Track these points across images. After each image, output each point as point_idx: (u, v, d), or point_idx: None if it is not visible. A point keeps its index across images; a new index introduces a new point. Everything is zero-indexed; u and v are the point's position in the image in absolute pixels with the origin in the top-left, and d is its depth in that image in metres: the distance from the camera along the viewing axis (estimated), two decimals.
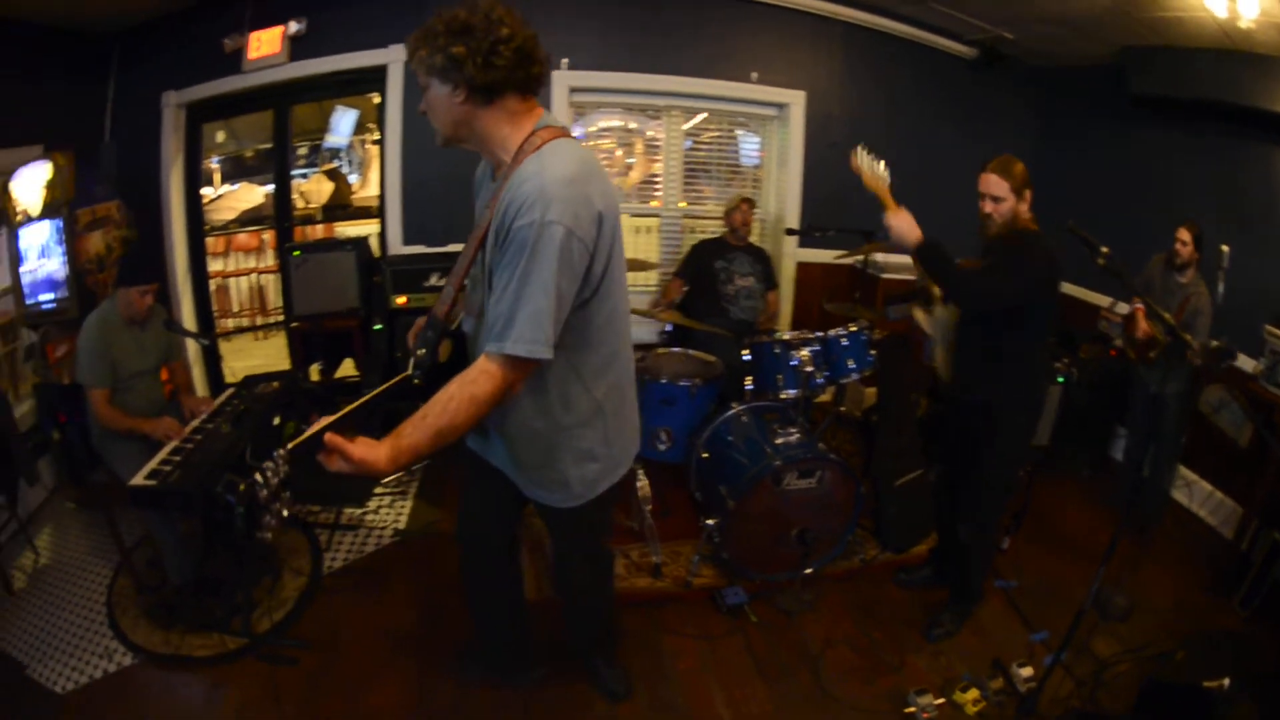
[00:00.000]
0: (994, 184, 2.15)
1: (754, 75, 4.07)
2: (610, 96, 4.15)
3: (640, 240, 5.10)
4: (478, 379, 1.45)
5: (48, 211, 3.55)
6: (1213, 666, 2.11)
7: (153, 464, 2.52)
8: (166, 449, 2.63)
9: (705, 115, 4.36)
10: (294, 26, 3.82)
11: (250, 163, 6.00)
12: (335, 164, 5.92)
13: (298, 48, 3.87)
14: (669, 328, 3.62)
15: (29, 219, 3.57)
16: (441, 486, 3.59)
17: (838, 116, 4.22)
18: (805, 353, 3.05)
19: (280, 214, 4.35)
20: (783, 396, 3.08)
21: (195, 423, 2.87)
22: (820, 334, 3.15)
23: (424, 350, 1.65)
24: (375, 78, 3.97)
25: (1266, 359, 2.92)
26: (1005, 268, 2.15)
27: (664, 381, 3.14)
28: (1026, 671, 2.25)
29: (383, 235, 4.17)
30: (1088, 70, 3.99)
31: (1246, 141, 3.25)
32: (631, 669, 2.42)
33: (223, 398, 3.06)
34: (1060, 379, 3.51)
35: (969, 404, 2.37)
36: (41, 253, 3.61)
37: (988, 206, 2.18)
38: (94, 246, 3.67)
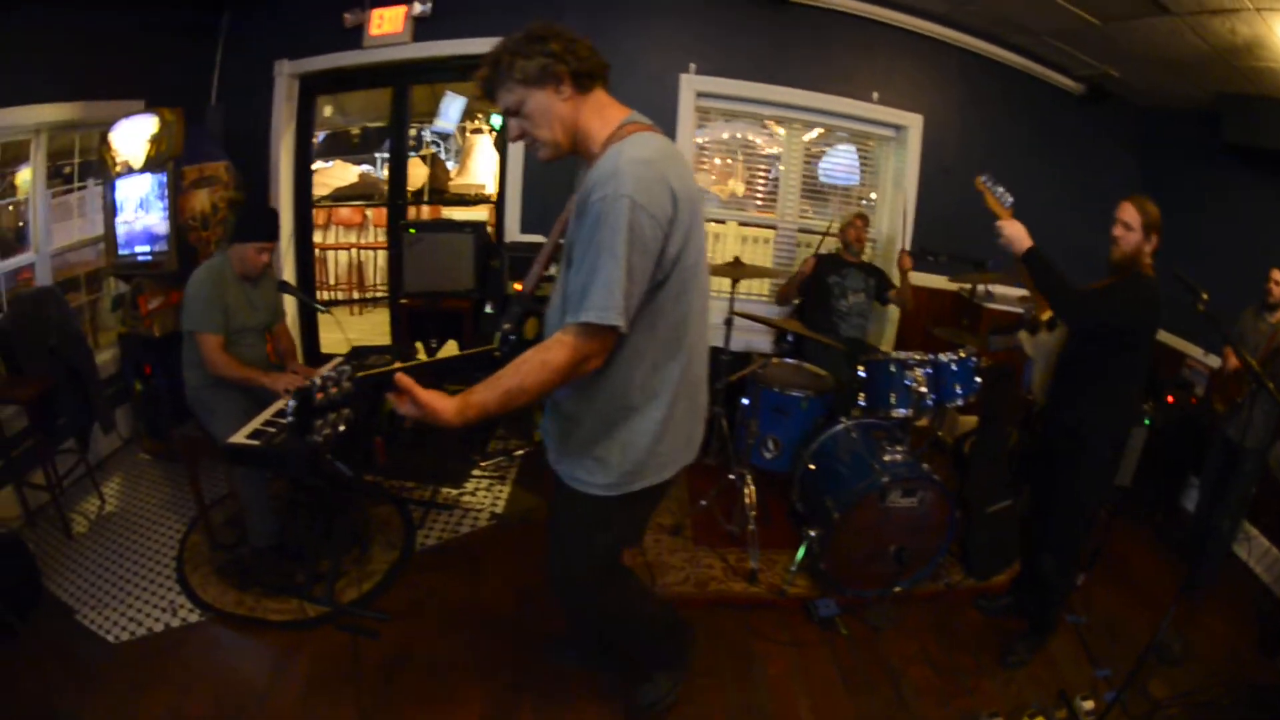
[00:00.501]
0: (1129, 212, 2.38)
1: (875, 95, 4.20)
2: (734, 104, 4.26)
3: (755, 250, 5.23)
4: (552, 346, 1.52)
5: (150, 165, 3.59)
6: (1256, 716, 2.40)
7: (256, 423, 2.55)
8: (271, 409, 2.68)
9: (821, 131, 4.48)
10: (419, 8, 3.92)
11: (349, 141, 6.13)
12: (434, 149, 6.16)
13: (421, 28, 3.97)
14: (790, 336, 3.77)
15: (129, 170, 3.64)
16: (540, 475, 3.71)
17: (951, 142, 4.36)
18: (920, 374, 3.18)
19: (394, 193, 4.46)
20: (893, 415, 3.20)
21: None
22: (933, 357, 3.25)
23: (509, 324, 1.74)
24: None
25: None
26: (1109, 291, 2.39)
27: (777, 390, 3.35)
28: (1089, 705, 2.41)
29: (499, 222, 4.32)
30: (1186, 114, 4.14)
31: None
32: (723, 669, 2.55)
33: (329, 366, 3.10)
34: (1146, 420, 3.71)
35: (1060, 424, 2.54)
36: (140, 205, 3.67)
37: (1117, 231, 2.40)
38: (199, 204, 3.72)
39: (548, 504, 3.37)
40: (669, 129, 4.00)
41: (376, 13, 3.96)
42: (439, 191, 5.64)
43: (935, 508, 3.00)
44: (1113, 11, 3.38)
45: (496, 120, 6.07)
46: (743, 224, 5.07)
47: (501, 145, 4.28)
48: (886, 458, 3.01)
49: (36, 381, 3.11)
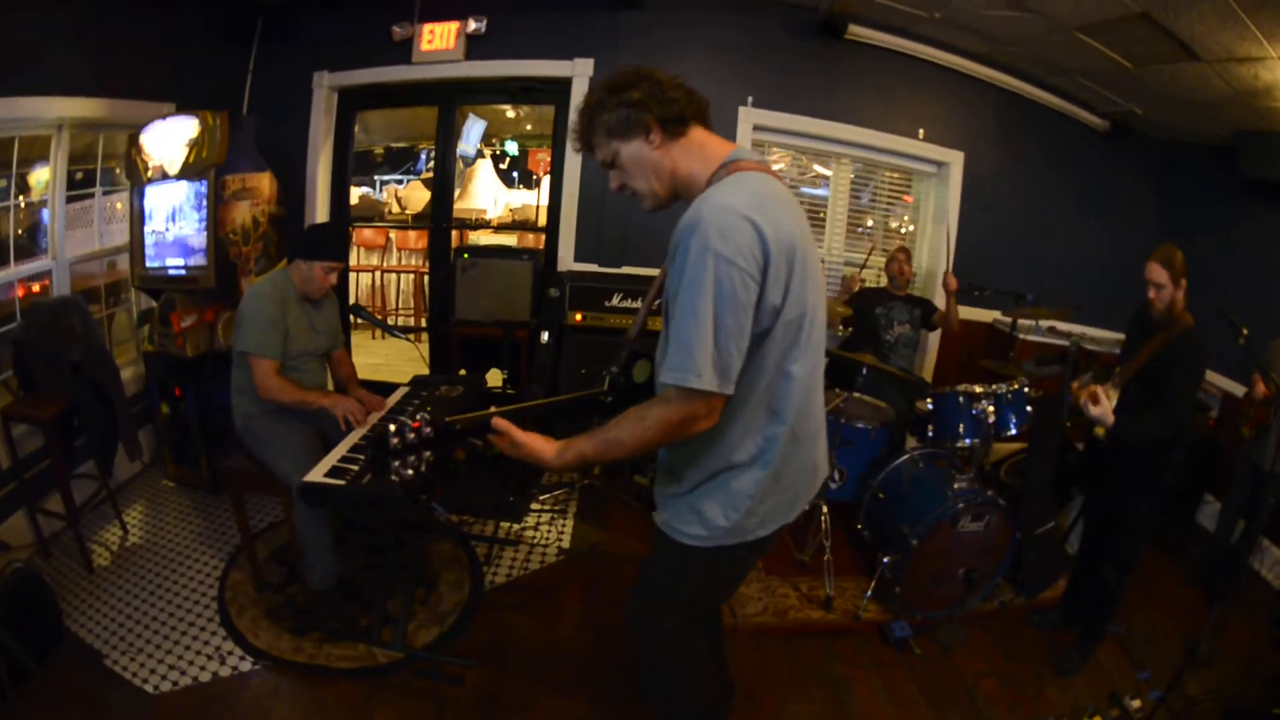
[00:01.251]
0: (1157, 272, 2.60)
1: (921, 132, 4.45)
2: (788, 138, 4.43)
3: None
4: (654, 403, 1.50)
5: (188, 172, 3.40)
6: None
7: (332, 459, 2.41)
8: (346, 444, 2.54)
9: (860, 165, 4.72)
10: (473, 25, 3.91)
11: (371, 160, 6.13)
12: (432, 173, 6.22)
13: (473, 46, 3.97)
14: (865, 370, 3.74)
15: (163, 176, 3.44)
16: (601, 508, 3.80)
17: (988, 177, 4.64)
18: (988, 405, 3.43)
19: (437, 215, 4.45)
20: (960, 445, 3.47)
21: (374, 417, 2.79)
22: (992, 388, 3.48)
23: (616, 368, 1.73)
24: (554, 89, 4.11)
25: None
26: (1169, 369, 2.61)
27: (845, 422, 3.53)
28: (1136, 704, 2.79)
29: (549, 250, 4.35)
30: (1203, 149, 4.54)
31: None
32: (815, 695, 2.72)
33: (396, 397, 3.03)
34: None
35: (1128, 450, 2.74)
36: (172, 215, 3.47)
37: (1151, 293, 2.65)
38: (240, 217, 3.53)
39: (615, 537, 3.54)
40: None
41: (428, 28, 3.92)
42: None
43: (999, 531, 3.25)
44: (1145, 56, 3.68)
45: (511, 146, 6.14)
46: None
47: (557, 169, 4.28)
48: (956, 485, 3.22)
49: (55, 399, 2.94)
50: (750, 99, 4.18)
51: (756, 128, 4.27)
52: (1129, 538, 2.93)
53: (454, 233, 5.05)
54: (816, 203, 4.85)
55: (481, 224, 5.61)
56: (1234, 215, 4.46)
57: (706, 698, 2.17)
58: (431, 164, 6.07)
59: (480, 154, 5.89)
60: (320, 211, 4.25)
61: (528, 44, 4.00)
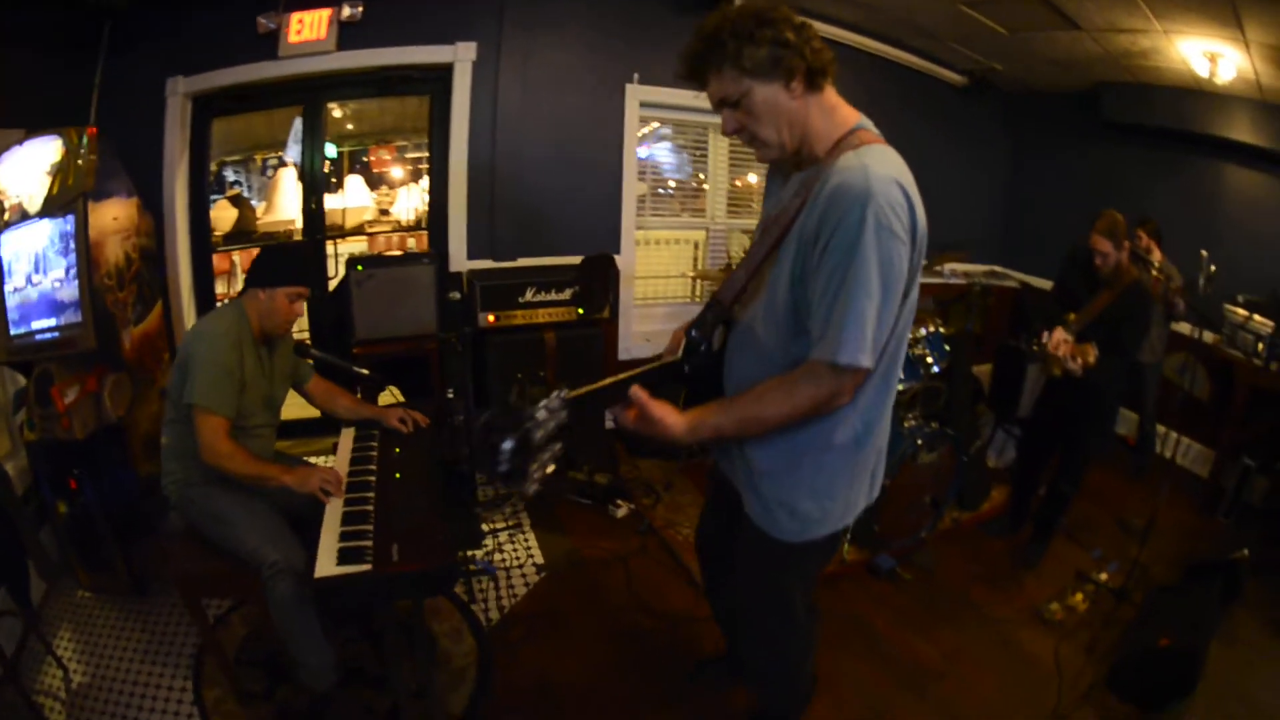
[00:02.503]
0: (1102, 243, 3.09)
1: None
2: (674, 113, 4.66)
3: (676, 252, 5.47)
4: (799, 379, 1.49)
5: (53, 205, 2.90)
6: (1225, 550, 3.30)
7: (332, 540, 2.07)
8: (334, 518, 2.19)
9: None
10: (348, 10, 3.65)
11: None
12: (238, 189, 5.70)
13: (347, 35, 3.72)
14: None
15: (23, 217, 2.93)
16: (554, 512, 3.81)
17: None
18: (921, 349, 3.86)
19: (310, 229, 4.16)
20: (901, 388, 3.80)
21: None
22: (920, 333, 3.91)
23: (697, 332, 1.69)
24: (432, 77, 3.96)
25: (1226, 329, 4.22)
26: (1123, 320, 3.09)
27: None
28: (1103, 576, 3.40)
29: (437, 250, 4.22)
30: (1060, 97, 5.24)
31: (1200, 159, 4.61)
32: (848, 636, 2.97)
33: (347, 449, 2.67)
34: None
35: (1084, 387, 3.15)
36: (36, 264, 2.96)
37: (1098, 260, 3.11)
38: (112, 255, 3.05)
39: (583, 540, 3.56)
40: (615, 139, 4.31)
41: (296, 17, 3.61)
42: (247, 233, 5.21)
43: (947, 457, 3.67)
44: (1023, 25, 4.10)
45: (330, 149, 5.90)
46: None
47: (440, 163, 4.14)
48: (907, 424, 3.55)
49: None
50: (636, 76, 4.27)
51: (644, 105, 4.37)
52: (1082, 458, 3.47)
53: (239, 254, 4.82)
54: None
55: (369, 229, 5.36)
56: (1091, 151, 5.25)
57: (806, 686, 2.32)
58: (235, 181, 5.77)
59: (282, 161, 5.49)
60: (180, 239, 3.85)
61: (405, 29, 3.84)
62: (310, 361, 2.82)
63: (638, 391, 1.49)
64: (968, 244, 4.75)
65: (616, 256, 4.42)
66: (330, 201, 4.51)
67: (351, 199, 5.53)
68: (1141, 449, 4.64)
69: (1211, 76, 3.89)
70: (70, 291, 2.95)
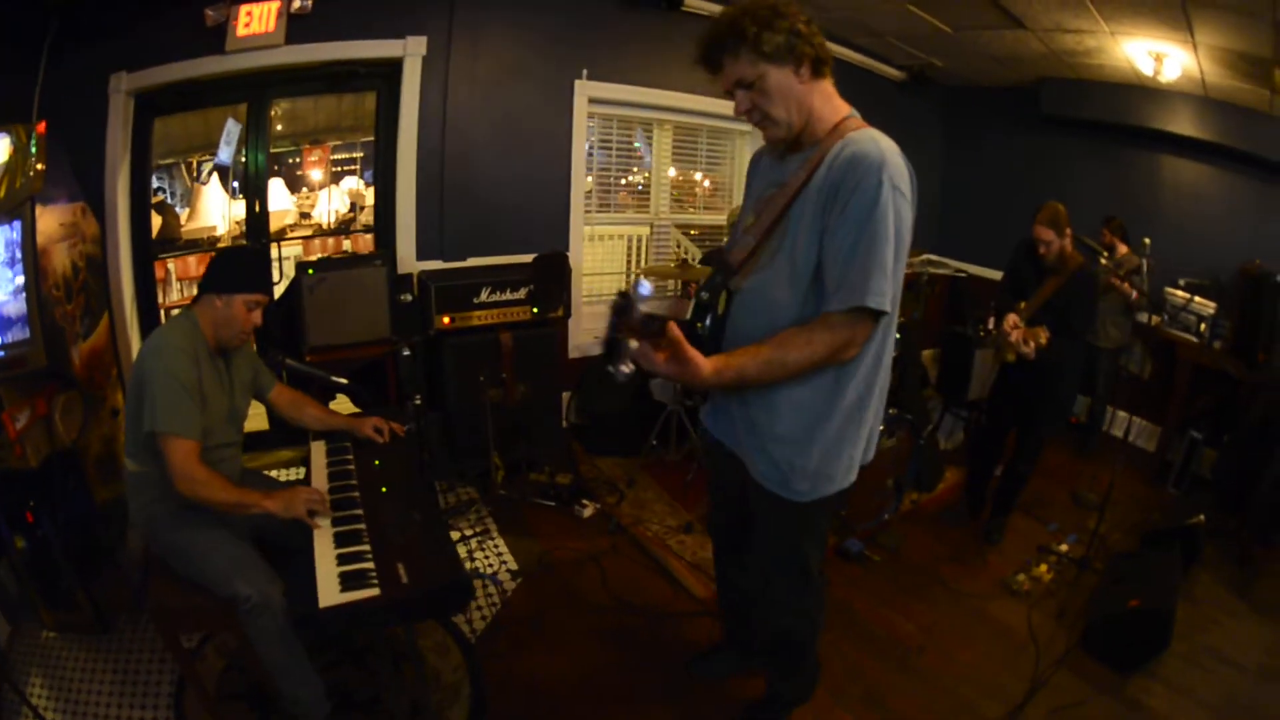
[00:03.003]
0: (1045, 233, 3.23)
1: None
2: (622, 109, 4.63)
3: (611, 248, 5.40)
4: (818, 327, 1.62)
5: (1, 210, 2.66)
6: (1181, 518, 3.49)
7: (329, 565, 1.91)
8: (327, 541, 2.02)
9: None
10: (297, 3, 3.53)
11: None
12: (162, 196, 5.67)
13: (296, 28, 3.59)
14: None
15: None
16: (521, 516, 3.74)
17: None
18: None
19: (253, 231, 3.99)
20: None
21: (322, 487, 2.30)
22: None
23: (707, 294, 1.79)
24: (380, 72, 3.86)
25: (1168, 311, 4.44)
26: (1072, 303, 3.22)
27: None
28: (1064, 547, 3.58)
29: (383, 250, 4.09)
30: (998, 91, 5.44)
31: (1139, 151, 4.82)
32: (830, 622, 2.68)
33: (321, 457, 2.54)
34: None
35: (1040, 368, 3.25)
36: None
37: (1042, 249, 3.25)
38: (59, 264, 2.83)
39: (552, 541, 3.50)
40: (564, 135, 4.29)
41: (245, 9, 3.47)
42: (171, 241, 5.25)
43: (905, 441, 3.84)
44: (969, 24, 4.19)
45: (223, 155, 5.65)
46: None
47: (388, 162, 4.02)
48: None
49: None
50: (585, 72, 4.26)
51: (592, 100, 4.36)
52: (1038, 439, 3.59)
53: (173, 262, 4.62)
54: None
55: (290, 234, 5.09)
56: (1029, 143, 5.49)
57: (816, 658, 2.40)
58: (158, 187, 5.50)
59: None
60: (123, 246, 3.62)
61: (355, 23, 3.74)
62: (272, 369, 2.65)
63: (674, 329, 1.55)
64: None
65: (566, 254, 4.38)
66: (239, 208, 4.30)
67: (273, 203, 5.33)
68: (1090, 427, 4.88)
69: (1156, 75, 4.05)
70: (18, 306, 2.68)
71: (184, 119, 3.99)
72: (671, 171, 5.17)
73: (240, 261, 2.49)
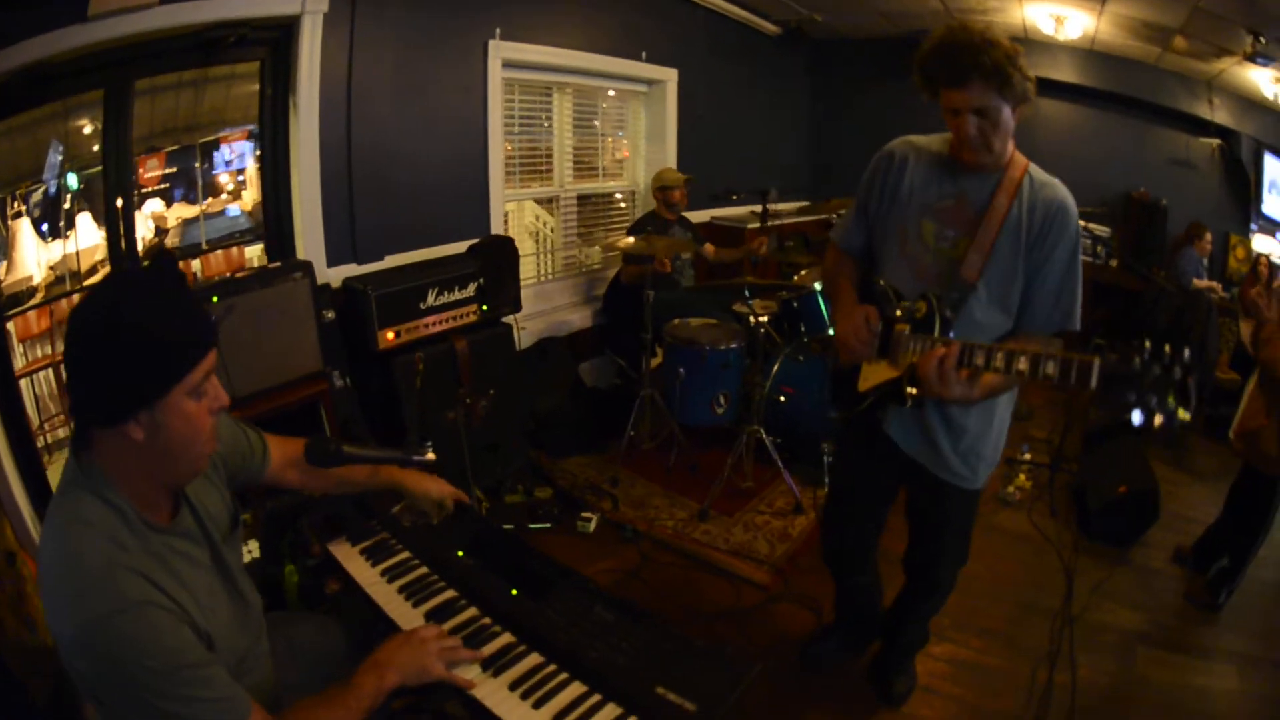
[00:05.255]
0: None
1: (644, 54, 4.69)
2: (534, 73, 4.27)
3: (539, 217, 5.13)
4: (1045, 342, 1.83)
5: None
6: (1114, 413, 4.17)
7: None
8: (510, 701, 1.37)
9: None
10: None
11: None
12: None
13: None
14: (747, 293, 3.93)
15: None
16: None
17: (698, 90, 5.14)
18: None
19: (114, 258, 3.04)
20: (832, 333, 4.04)
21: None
22: None
23: (951, 313, 1.85)
24: (269, 39, 3.13)
25: None
26: None
27: (722, 348, 3.76)
28: (1027, 455, 4.03)
29: (287, 259, 3.31)
30: (874, 43, 5.72)
31: None
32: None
33: (372, 574, 1.75)
34: None
35: None
36: None
37: None
38: None
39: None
40: (479, 103, 3.87)
41: None
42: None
43: None
44: None
45: (72, 179, 4.32)
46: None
47: (275, 149, 3.30)
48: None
49: None
50: (498, 30, 3.80)
51: (506, 64, 3.92)
52: None
53: None
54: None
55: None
56: (905, 92, 5.83)
57: None
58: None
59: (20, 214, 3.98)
60: None
61: None
62: (255, 432, 1.66)
63: (954, 346, 1.66)
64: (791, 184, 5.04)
65: (510, 238, 3.96)
66: (56, 249, 3.25)
67: (82, 239, 4.14)
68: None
69: (1055, 34, 4.36)
70: None
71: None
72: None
73: (147, 312, 1.12)
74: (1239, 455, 2.92)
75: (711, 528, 3.44)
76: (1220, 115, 5.30)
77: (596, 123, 4.92)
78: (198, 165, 3.34)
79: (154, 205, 3.45)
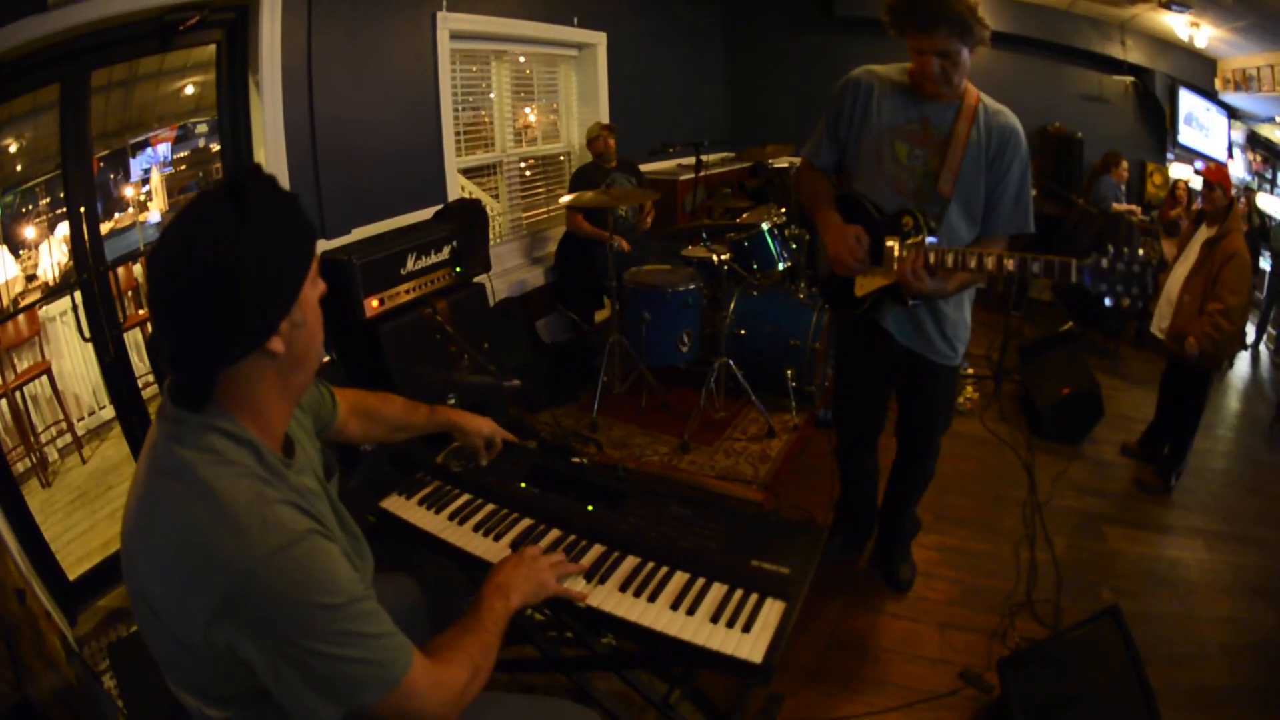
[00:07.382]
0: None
1: (575, 19, 4.84)
2: (480, 43, 4.39)
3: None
4: (999, 244, 2.20)
5: None
6: (1050, 329, 4.56)
7: (691, 622, 1.40)
8: (624, 601, 1.45)
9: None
10: None
11: None
12: None
13: None
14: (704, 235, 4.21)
15: None
16: None
17: (626, 51, 5.33)
18: (794, 228, 4.23)
19: (80, 264, 2.86)
20: (781, 268, 4.13)
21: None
22: (775, 218, 4.22)
23: (935, 223, 2.16)
24: (226, 21, 3.14)
25: None
26: None
27: (681, 290, 3.93)
28: (970, 371, 4.44)
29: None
30: None
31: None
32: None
33: (440, 521, 1.71)
34: None
35: None
36: None
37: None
38: None
39: None
40: (429, 74, 4.00)
41: None
42: None
43: (830, 316, 4.27)
44: None
45: None
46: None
47: (235, 133, 3.31)
48: (803, 296, 4.06)
49: None
50: (445, 2, 3.90)
51: (454, 35, 4.02)
52: None
53: None
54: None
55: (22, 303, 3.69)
56: (820, 43, 6.26)
57: None
58: None
59: None
60: None
61: None
62: (321, 382, 1.54)
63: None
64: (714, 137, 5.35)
65: (478, 200, 4.07)
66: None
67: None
68: None
69: None
70: None
71: None
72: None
73: (269, 211, 1.00)
74: (1171, 353, 3.35)
75: (695, 458, 3.66)
76: (1134, 55, 5.85)
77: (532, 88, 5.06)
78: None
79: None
